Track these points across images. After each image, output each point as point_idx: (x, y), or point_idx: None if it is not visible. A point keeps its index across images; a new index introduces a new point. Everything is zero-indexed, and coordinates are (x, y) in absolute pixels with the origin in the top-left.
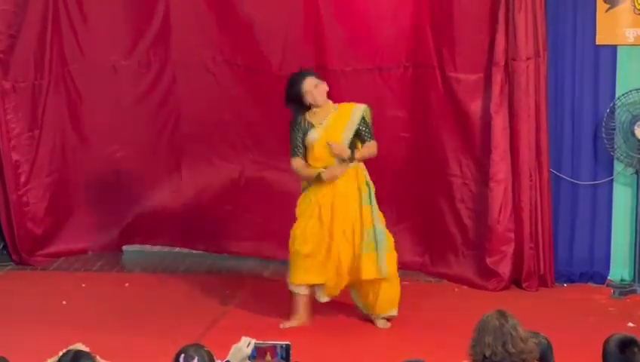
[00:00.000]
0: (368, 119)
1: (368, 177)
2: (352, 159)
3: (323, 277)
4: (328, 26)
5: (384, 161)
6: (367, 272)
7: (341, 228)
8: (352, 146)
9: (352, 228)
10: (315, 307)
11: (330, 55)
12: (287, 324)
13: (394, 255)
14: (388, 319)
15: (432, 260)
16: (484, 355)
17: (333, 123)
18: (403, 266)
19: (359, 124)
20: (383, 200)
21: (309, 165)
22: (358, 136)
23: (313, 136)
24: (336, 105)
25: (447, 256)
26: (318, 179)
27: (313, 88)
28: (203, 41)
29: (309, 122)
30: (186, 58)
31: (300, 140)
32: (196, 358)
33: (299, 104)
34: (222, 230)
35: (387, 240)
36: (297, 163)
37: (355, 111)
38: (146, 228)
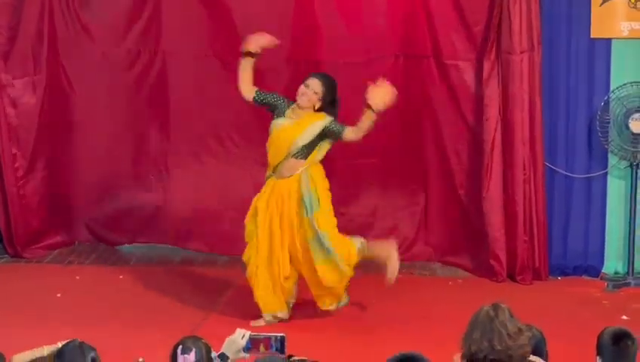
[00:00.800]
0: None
1: (315, 182)
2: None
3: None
4: (323, 20)
5: (382, 154)
6: (329, 281)
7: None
8: (313, 147)
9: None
10: (308, 302)
11: (323, 48)
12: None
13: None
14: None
15: (435, 249)
16: (471, 350)
17: (298, 124)
18: (407, 256)
19: (327, 126)
20: (383, 194)
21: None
22: (332, 135)
23: (278, 121)
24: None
25: (450, 244)
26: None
27: (305, 88)
28: (193, 37)
29: (285, 110)
30: (177, 54)
31: (272, 97)
32: (194, 350)
33: None
34: (213, 230)
35: (335, 239)
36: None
37: (325, 119)
38: (137, 225)
